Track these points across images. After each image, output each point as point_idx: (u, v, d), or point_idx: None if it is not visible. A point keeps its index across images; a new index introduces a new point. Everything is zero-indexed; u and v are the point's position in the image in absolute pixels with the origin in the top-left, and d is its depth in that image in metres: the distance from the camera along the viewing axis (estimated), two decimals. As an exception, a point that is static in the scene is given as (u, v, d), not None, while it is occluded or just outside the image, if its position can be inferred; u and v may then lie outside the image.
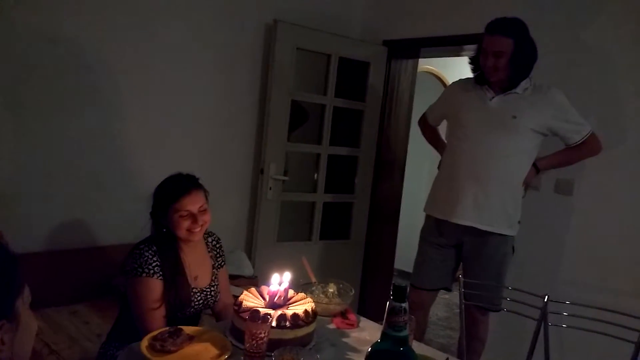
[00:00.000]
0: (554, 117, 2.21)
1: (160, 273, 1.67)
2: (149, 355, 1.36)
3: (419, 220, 4.96)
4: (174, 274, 1.70)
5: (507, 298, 2.11)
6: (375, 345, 1.00)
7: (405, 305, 0.97)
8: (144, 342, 1.41)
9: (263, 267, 3.04)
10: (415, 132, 3.70)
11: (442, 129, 2.63)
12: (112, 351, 1.74)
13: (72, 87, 2.44)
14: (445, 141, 2.52)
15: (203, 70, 2.87)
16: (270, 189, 3.12)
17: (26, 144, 2.34)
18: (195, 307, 1.77)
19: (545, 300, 1.93)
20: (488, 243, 2.27)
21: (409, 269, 4.80)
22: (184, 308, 1.72)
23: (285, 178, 3.16)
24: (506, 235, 2.27)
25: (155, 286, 1.66)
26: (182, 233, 1.72)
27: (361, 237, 3.59)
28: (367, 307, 3.44)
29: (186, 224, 1.71)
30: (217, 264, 1.90)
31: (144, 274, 1.65)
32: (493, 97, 2.25)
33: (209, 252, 1.89)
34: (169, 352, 1.39)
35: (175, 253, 1.74)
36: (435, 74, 4.55)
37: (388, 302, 0.98)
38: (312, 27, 3.12)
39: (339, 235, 3.53)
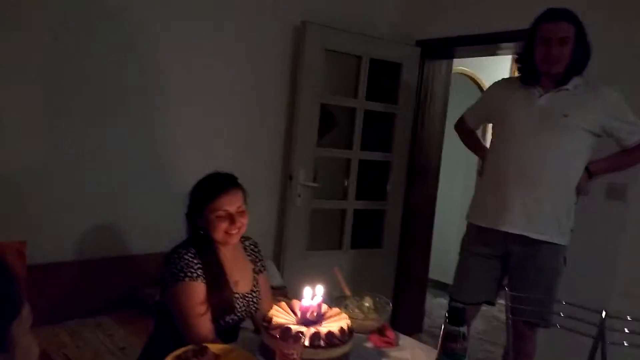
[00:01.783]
0: (607, 116, 2.03)
1: (203, 276, 1.57)
2: (172, 377, 1.25)
3: (454, 228, 4.85)
4: (217, 277, 1.60)
5: (560, 313, 1.92)
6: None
7: (463, 329, 0.83)
8: (168, 361, 1.30)
9: (292, 277, 2.92)
10: (448, 136, 3.56)
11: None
12: None
13: (100, 88, 2.39)
14: (487, 145, 2.36)
15: (233, 73, 2.79)
16: (300, 195, 3.00)
17: (50, 147, 2.29)
18: (238, 314, 1.66)
19: (603, 315, 1.74)
20: (538, 253, 2.09)
21: (444, 279, 4.71)
22: (226, 315, 1.60)
23: (315, 184, 3.04)
24: (558, 244, 2.09)
25: (199, 290, 1.55)
26: (219, 235, 1.62)
27: (394, 245, 3.44)
28: (400, 320, 3.27)
29: (224, 225, 1.61)
30: (256, 269, 1.79)
31: (187, 278, 1.54)
32: (542, 95, 2.08)
33: (247, 256, 1.79)
34: (194, 372, 1.28)
35: (215, 255, 1.64)
36: (470, 75, 4.37)
37: (443, 326, 0.84)
38: (342, 28, 3.01)
39: (371, 244, 3.39)
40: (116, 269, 2.41)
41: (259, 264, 1.81)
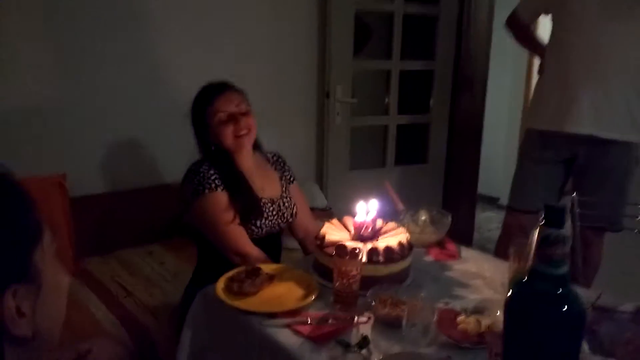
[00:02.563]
0: None
1: (223, 185, 1.52)
2: (226, 299, 1.20)
3: (501, 141, 4.62)
4: (235, 182, 1.55)
5: (638, 216, 1.76)
6: (520, 286, 0.74)
7: (564, 231, 0.69)
8: (220, 284, 1.25)
9: (336, 198, 2.84)
10: (495, 42, 3.25)
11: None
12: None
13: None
14: (547, 40, 2.09)
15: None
16: (338, 114, 2.84)
17: (72, 81, 2.19)
18: (270, 219, 1.60)
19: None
20: (608, 153, 1.91)
21: (492, 193, 4.56)
22: (256, 216, 1.56)
23: (354, 100, 2.86)
24: (630, 142, 1.89)
25: (221, 199, 1.51)
26: (228, 140, 1.55)
27: (440, 160, 3.27)
28: (449, 235, 3.16)
29: (229, 128, 1.54)
30: (284, 178, 1.73)
31: (206, 190, 1.50)
32: None
33: (271, 165, 1.73)
34: (248, 294, 1.22)
35: (231, 163, 1.58)
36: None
37: (538, 229, 0.71)
38: None
39: (416, 159, 3.24)
40: (157, 198, 2.36)
41: (287, 174, 1.75)
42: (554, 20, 2.01)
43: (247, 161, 1.62)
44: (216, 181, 1.52)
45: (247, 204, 1.55)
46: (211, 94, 1.57)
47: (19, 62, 2.05)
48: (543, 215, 0.69)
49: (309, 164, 2.97)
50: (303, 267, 1.39)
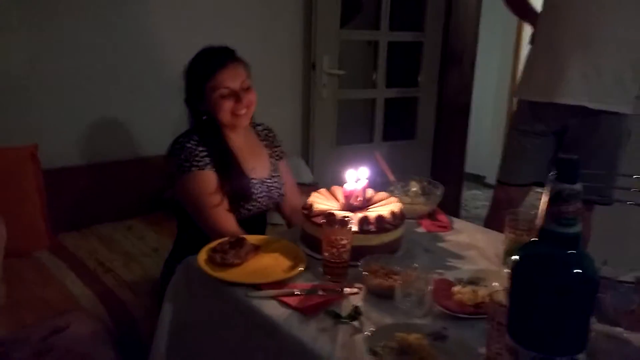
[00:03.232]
0: None
1: (211, 164, 1.43)
2: (208, 270, 1.13)
3: (488, 119, 4.58)
4: (225, 162, 1.46)
5: (630, 189, 1.73)
6: (528, 248, 0.69)
7: (578, 187, 0.64)
8: (202, 255, 1.18)
9: (323, 173, 2.77)
10: (485, 16, 3.18)
11: None
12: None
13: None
14: (539, 9, 2.03)
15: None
16: (325, 85, 2.75)
17: (45, 48, 2.06)
18: (259, 200, 1.52)
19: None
20: (599, 125, 1.86)
21: (478, 171, 4.53)
22: (245, 200, 1.48)
23: (341, 72, 2.77)
24: (621, 113, 1.85)
25: (209, 178, 1.42)
26: (225, 116, 1.45)
27: (428, 135, 3.22)
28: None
29: (229, 104, 1.44)
30: (274, 154, 1.64)
31: (194, 167, 1.41)
32: None
33: (261, 141, 1.62)
34: (232, 265, 1.16)
35: (221, 140, 1.48)
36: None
37: (550, 186, 0.65)
38: None
39: (404, 135, 3.18)
40: (136, 171, 2.27)
41: (276, 150, 1.66)
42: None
43: (239, 138, 1.53)
44: (205, 159, 1.42)
45: (237, 187, 1.46)
46: (214, 65, 1.44)
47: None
48: (555, 168, 0.63)
49: (294, 138, 2.89)
50: (290, 238, 1.32)
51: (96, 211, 2.15)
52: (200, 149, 1.42)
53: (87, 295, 1.63)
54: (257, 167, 1.55)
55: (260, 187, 1.53)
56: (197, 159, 1.41)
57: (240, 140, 1.53)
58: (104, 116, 2.25)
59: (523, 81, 2.06)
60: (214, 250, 1.19)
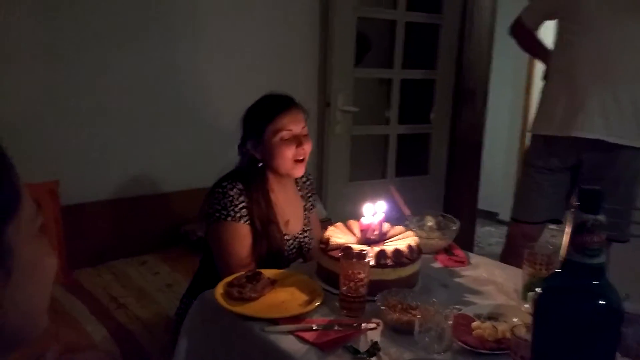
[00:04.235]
0: None
1: (248, 217, 1.40)
2: (225, 304, 1.12)
3: (501, 155, 4.58)
4: (265, 219, 1.42)
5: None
6: (552, 279, 0.68)
7: (601, 217, 0.64)
8: (219, 289, 1.18)
9: (336, 209, 2.77)
10: (497, 53, 3.24)
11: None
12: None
13: (121, 15, 2.19)
14: (551, 46, 2.06)
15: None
16: (339, 122, 2.79)
17: (70, 86, 2.13)
18: (289, 256, 1.50)
19: None
20: (616, 160, 1.86)
21: (491, 208, 4.50)
22: (275, 260, 1.43)
23: (355, 109, 2.81)
24: (638, 148, 1.85)
25: (243, 232, 1.39)
26: (286, 163, 1.42)
27: (441, 172, 3.22)
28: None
29: (290, 150, 1.40)
30: (308, 205, 1.61)
31: (229, 218, 1.38)
32: None
33: (299, 190, 1.60)
34: (249, 299, 1.15)
35: (265, 192, 1.45)
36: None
37: (573, 216, 0.65)
38: None
39: (417, 171, 3.19)
40: (154, 207, 2.30)
41: (311, 199, 1.63)
42: (561, 24, 1.98)
43: (282, 188, 1.50)
44: (242, 211, 1.39)
45: (271, 246, 1.42)
46: (275, 109, 1.43)
47: (14, 69, 1.99)
48: (578, 199, 0.64)
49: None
50: (306, 272, 1.32)
51: (111, 247, 2.17)
52: (242, 199, 1.40)
53: (101, 332, 1.62)
54: (292, 220, 1.51)
55: (292, 243, 1.50)
56: (235, 209, 1.38)
57: (282, 190, 1.51)
58: (123, 153, 2.29)
59: (539, 116, 2.07)
60: (230, 284, 1.18)
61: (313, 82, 2.82)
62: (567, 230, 0.66)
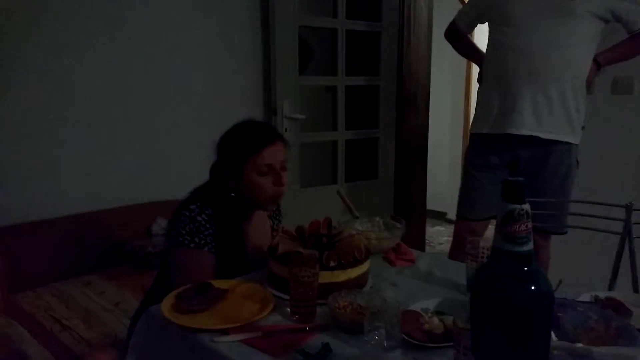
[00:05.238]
0: None
1: (213, 245, 1.35)
2: (172, 318, 1.10)
3: (446, 157, 4.74)
4: (234, 250, 1.39)
5: (585, 214, 1.80)
6: (484, 269, 0.71)
7: (527, 207, 0.67)
8: (167, 303, 1.15)
9: (288, 216, 2.75)
10: (435, 61, 3.35)
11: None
12: None
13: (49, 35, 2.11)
14: (485, 47, 2.16)
15: (194, 8, 2.53)
16: (287, 130, 2.80)
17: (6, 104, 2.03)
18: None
19: (630, 208, 1.63)
20: (550, 155, 1.96)
21: (439, 208, 4.63)
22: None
23: (302, 116, 2.83)
24: (570, 143, 1.96)
25: (204, 261, 1.34)
26: (264, 196, 1.38)
27: (390, 175, 3.29)
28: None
29: (270, 186, 1.36)
30: (275, 225, 1.61)
31: (193, 245, 1.33)
32: None
33: (268, 219, 1.58)
34: (198, 311, 1.13)
35: (237, 223, 1.41)
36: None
37: (500, 206, 0.68)
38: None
39: (367, 175, 3.24)
40: (95, 225, 2.22)
41: (278, 226, 1.61)
42: (490, 26, 2.08)
43: (254, 218, 1.46)
44: (208, 238, 1.34)
45: (237, 270, 1.37)
46: (258, 142, 1.36)
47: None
48: (502, 190, 0.67)
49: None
50: (257, 280, 1.31)
51: (52, 268, 2.07)
52: (209, 226, 1.34)
53: (44, 356, 1.55)
54: (262, 246, 1.45)
55: (258, 265, 1.44)
56: (200, 236, 1.33)
57: (252, 222, 1.47)
58: (57, 169, 2.19)
59: (476, 116, 2.16)
60: (178, 297, 1.16)
61: (259, 90, 2.82)
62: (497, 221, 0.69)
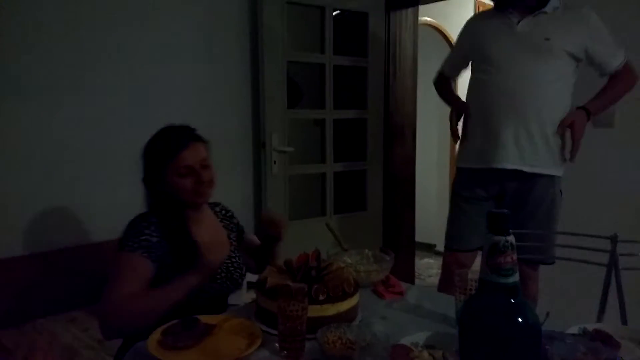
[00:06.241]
0: (589, 38, 1.94)
1: (151, 251, 1.36)
2: (159, 355, 1.07)
3: (433, 189, 4.78)
4: (186, 251, 1.40)
5: (572, 245, 1.82)
6: (472, 300, 0.72)
7: (511, 239, 0.68)
8: (153, 339, 1.13)
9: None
10: (421, 96, 3.43)
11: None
12: None
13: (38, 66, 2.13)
14: (467, 87, 2.21)
15: (187, 37, 2.57)
16: (275, 162, 2.82)
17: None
18: (218, 282, 1.48)
19: (615, 239, 1.65)
20: (534, 187, 2.00)
21: (428, 240, 4.64)
22: (204, 288, 1.40)
23: (290, 149, 2.86)
24: (553, 175, 2.00)
25: (136, 264, 1.34)
26: (188, 195, 1.44)
27: (378, 207, 3.31)
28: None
29: (188, 182, 1.43)
30: (231, 234, 1.62)
31: (126, 248, 1.35)
32: (520, 21, 1.97)
33: (220, 221, 1.62)
34: (185, 347, 1.11)
35: (182, 224, 1.45)
36: (436, 26, 4.23)
37: (486, 238, 0.69)
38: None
39: (355, 207, 3.25)
40: (84, 259, 2.18)
41: (233, 226, 1.65)
42: (472, 65, 2.14)
43: (200, 217, 1.50)
44: (142, 242, 1.36)
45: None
46: (174, 147, 1.43)
47: None
48: (487, 223, 0.68)
49: (247, 215, 2.89)
50: (245, 315, 1.30)
51: (36, 304, 2.02)
52: (148, 232, 1.38)
53: (24, 397, 1.49)
54: (213, 237, 1.50)
55: (219, 269, 1.47)
56: (135, 240, 1.36)
57: (200, 221, 1.50)
58: (44, 202, 2.17)
59: (461, 150, 2.20)
60: (165, 332, 1.14)
61: (247, 123, 2.85)
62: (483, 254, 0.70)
